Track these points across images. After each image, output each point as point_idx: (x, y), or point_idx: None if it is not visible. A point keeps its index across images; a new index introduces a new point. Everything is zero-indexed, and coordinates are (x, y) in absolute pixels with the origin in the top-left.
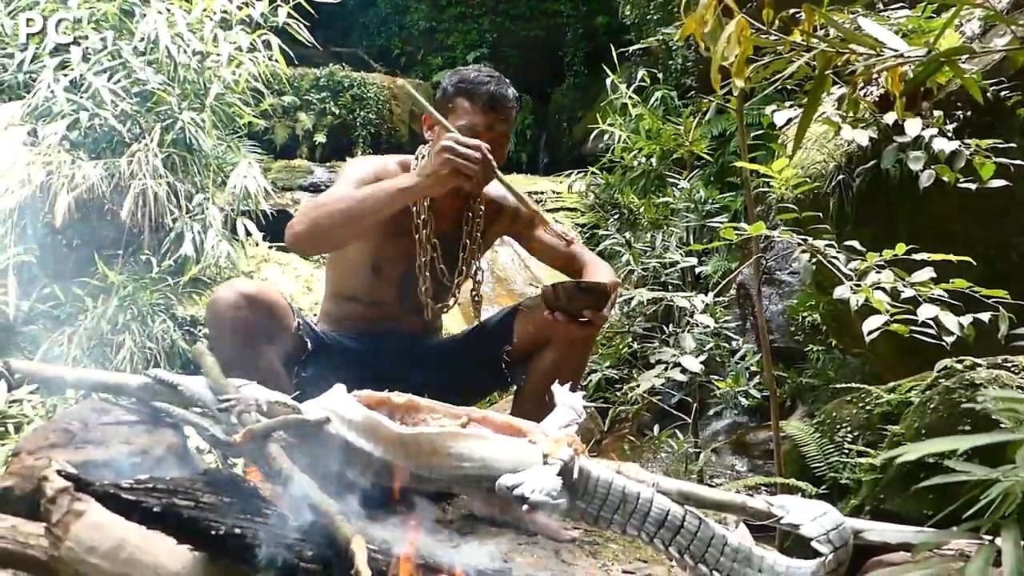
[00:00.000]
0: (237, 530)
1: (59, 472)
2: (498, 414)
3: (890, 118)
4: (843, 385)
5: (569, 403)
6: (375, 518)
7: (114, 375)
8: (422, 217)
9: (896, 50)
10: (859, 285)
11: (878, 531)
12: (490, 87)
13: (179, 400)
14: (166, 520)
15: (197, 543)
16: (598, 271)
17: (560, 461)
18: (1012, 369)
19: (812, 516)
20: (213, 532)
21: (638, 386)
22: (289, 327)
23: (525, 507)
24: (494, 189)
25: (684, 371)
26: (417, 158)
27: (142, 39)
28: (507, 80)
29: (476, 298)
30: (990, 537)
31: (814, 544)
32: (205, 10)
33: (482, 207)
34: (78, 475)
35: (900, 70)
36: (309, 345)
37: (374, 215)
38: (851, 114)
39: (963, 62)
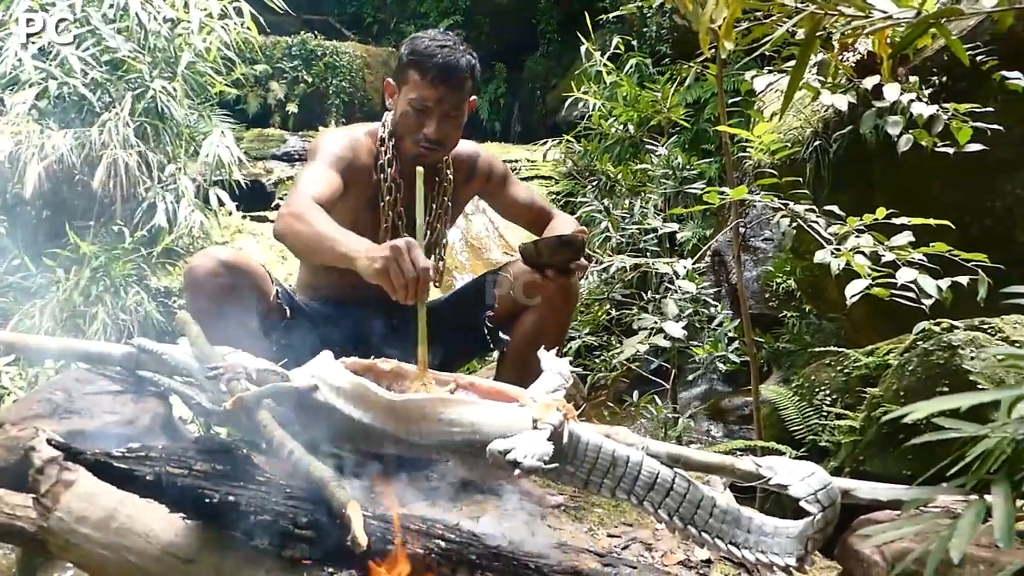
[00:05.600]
0: (231, 498)
1: (49, 442)
2: (485, 380)
3: (869, 83)
4: (821, 349)
5: (556, 368)
6: (364, 484)
7: (98, 344)
8: (386, 185)
9: (885, 12)
10: (839, 249)
11: (867, 489)
12: (438, 59)
13: (164, 369)
14: (159, 489)
15: (190, 511)
16: (565, 224)
17: (550, 426)
18: (988, 331)
19: (800, 476)
20: (207, 500)
21: (620, 352)
22: (267, 294)
23: (517, 472)
24: (465, 149)
25: (667, 337)
26: (383, 125)
27: (111, 6)
28: (462, 47)
29: (439, 265)
30: (976, 494)
31: (803, 504)
32: None
33: (451, 173)
34: (69, 445)
35: (887, 32)
36: (288, 313)
37: (328, 261)
38: (830, 79)
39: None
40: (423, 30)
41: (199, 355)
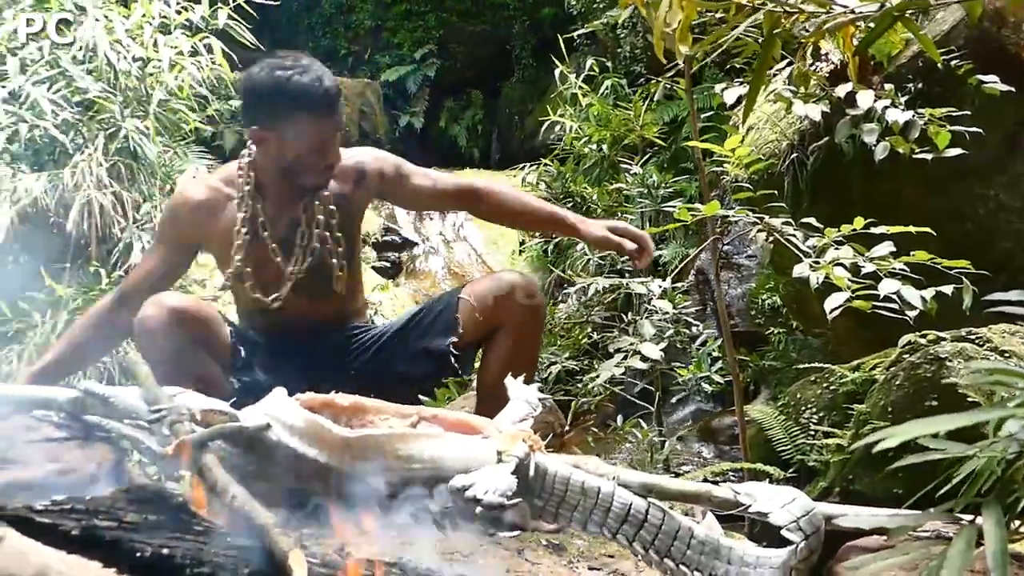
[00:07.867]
0: (165, 550)
1: None
2: (451, 411)
3: (842, 91)
4: (807, 365)
5: (523, 396)
6: (322, 526)
7: (41, 389)
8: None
9: (846, 7)
10: (818, 262)
11: (851, 516)
12: (319, 89)
13: (113, 413)
14: (86, 543)
15: (123, 566)
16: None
17: (515, 458)
18: (976, 341)
19: (780, 503)
20: (139, 554)
21: (598, 376)
22: (222, 336)
23: (478, 509)
24: (351, 156)
25: (644, 359)
26: (249, 171)
27: (80, 48)
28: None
29: (339, 273)
30: (967, 517)
31: (784, 532)
32: (144, 15)
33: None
34: None
35: (851, 29)
36: (242, 352)
37: None
38: (802, 88)
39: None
40: (399, 62)
41: (147, 397)
